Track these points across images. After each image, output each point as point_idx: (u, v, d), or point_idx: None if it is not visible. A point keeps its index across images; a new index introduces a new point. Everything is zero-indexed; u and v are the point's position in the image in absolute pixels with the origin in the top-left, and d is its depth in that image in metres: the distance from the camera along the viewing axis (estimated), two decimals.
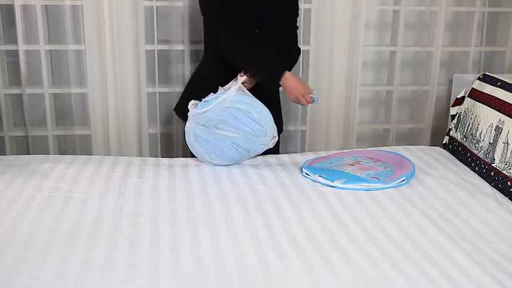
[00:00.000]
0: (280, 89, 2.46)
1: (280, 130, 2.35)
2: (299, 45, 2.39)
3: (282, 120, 2.42)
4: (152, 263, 1.43)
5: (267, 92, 2.17)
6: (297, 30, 2.36)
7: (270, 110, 2.12)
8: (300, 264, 1.44)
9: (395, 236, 1.61)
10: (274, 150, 2.32)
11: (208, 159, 2.12)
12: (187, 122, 2.10)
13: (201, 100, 2.06)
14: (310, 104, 2.12)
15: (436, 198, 1.89)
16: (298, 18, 2.34)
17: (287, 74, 2.07)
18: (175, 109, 2.40)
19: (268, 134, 2.09)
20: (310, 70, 2.79)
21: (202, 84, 2.24)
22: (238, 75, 2.07)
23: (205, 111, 2.03)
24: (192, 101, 2.07)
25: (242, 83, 2.05)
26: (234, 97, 2.03)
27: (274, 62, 2.11)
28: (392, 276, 1.39)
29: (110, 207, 1.75)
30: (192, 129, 2.08)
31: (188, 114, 2.07)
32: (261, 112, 2.06)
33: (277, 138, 2.13)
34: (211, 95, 2.05)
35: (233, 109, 2.03)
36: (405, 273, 1.41)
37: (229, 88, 2.05)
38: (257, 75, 2.08)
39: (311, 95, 2.08)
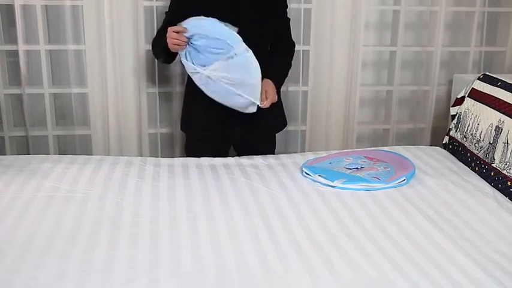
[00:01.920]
0: (282, 88, 2.47)
1: (284, 125, 2.45)
2: (294, 40, 2.40)
3: (284, 115, 2.45)
4: (152, 263, 1.43)
5: None
6: (289, 22, 2.36)
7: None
8: (300, 264, 1.45)
9: (395, 236, 1.61)
10: (271, 149, 2.38)
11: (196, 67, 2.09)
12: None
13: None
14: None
15: (436, 198, 1.89)
16: (288, 11, 2.34)
17: None
18: (180, 126, 2.44)
19: (236, 50, 2.04)
20: (310, 70, 2.79)
21: (194, 90, 2.24)
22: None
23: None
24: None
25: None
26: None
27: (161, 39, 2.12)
28: (392, 276, 1.39)
29: (110, 207, 1.75)
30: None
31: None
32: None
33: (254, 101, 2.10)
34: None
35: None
36: (405, 273, 1.41)
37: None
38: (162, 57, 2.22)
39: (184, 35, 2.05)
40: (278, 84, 2.23)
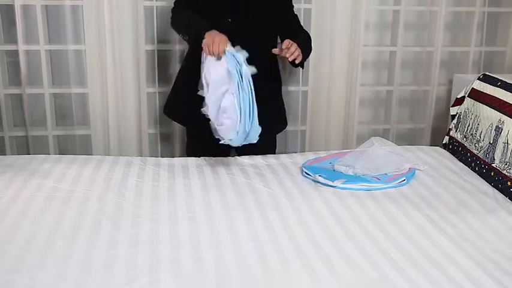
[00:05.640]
0: (283, 89, 2.46)
1: (284, 124, 2.42)
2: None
3: (284, 113, 2.41)
4: (152, 263, 1.43)
5: (268, 83, 2.17)
6: (298, 18, 2.32)
7: (271, 100, 2.13)
8: (300, 264, 1.44)
9: (395, 236, 1.61)
10: (271, 149, 2.37)
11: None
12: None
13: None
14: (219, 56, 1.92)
15: (436, 198, 1.89)
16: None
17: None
18: (164, 110, 2.41)
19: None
20: (310, 70, 2.79)
21: (181, 78, 2.28)
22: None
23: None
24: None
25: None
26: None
27: (198, 24, 2.04)
28: (392, 276, 1.39)
29: (110, 207, 1.75)
30: None
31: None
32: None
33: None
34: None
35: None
36: (405, 273, 1.41)
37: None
38: (187, 35, 2.14)
39: (226, 49, 1.91)
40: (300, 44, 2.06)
